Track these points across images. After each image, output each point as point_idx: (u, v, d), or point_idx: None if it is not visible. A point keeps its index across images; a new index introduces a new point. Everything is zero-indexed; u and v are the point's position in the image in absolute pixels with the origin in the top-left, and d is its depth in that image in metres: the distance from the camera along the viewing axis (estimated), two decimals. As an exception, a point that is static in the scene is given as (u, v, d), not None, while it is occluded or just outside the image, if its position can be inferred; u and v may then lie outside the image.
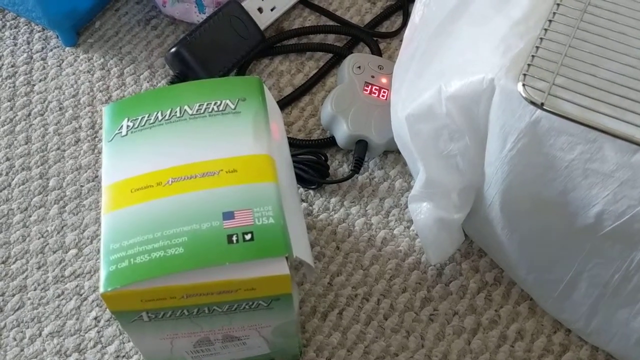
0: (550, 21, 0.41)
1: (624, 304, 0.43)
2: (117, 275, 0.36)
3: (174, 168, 0.40)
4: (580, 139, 0.39)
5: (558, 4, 0.42)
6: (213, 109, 0.42)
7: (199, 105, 0.42)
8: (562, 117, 0.38)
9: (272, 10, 0.65)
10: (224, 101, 0.42)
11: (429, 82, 0.46)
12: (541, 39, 0.41)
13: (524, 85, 0.39)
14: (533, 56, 0.40)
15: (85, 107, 0.62)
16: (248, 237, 0.37)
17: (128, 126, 0.42)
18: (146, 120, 0.42)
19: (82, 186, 0.57)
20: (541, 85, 0.39)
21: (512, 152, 0.42)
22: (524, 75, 0.39)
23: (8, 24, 0.68)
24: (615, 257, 0.42)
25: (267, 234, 0.37)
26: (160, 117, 0.42)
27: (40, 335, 0.50)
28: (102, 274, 0.37)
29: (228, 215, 0.38)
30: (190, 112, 0.42)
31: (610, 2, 0.42)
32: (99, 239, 0.54)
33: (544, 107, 0.38)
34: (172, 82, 0.59)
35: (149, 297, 0.37)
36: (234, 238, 0.37)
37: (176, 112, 0.42)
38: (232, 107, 0.42)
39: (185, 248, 0.37)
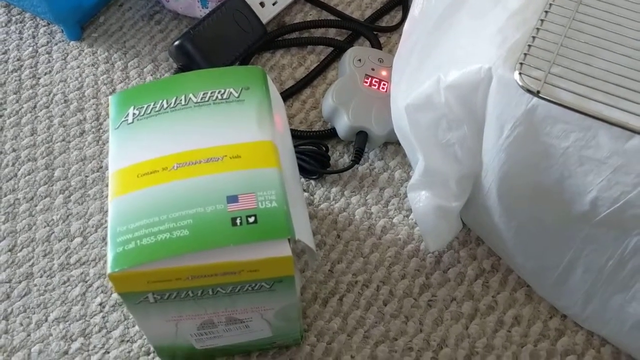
0: (546, 12, 0.42)
1: (619, 290, 0.44)
2: (124, 257, 0.37)
3: (179, 154, 0.40)
4: (575, 127, 0.40)
5: (554, -5, 0.43)
6: (217, 97, 0.43)
7: (204, 94, 0.43)
8: (558, 104, 0.39)
9: (273, 4, 0.65)
10: (227, 90, 0.43)
11: (428, 74, 0.47)
12: (538, 29, 0.41)
13: (520, 73, 0.40)
14: (530, 46, 0.41)
15: (89, 100, 0.63)
16: (251, 219, 0.38)
17: (134, 114, 0.43)
18: (152, 108, 0.43)
19: (86, 176, 0.58)
20: (537, 74, 0.40)
21: (509, 140, 0.42)
22: (521, 64, 0.40)
23: (14, 18, 0.69)
24: (609, 243, 0.42)
25: (270, 217, 0.38)
26: (165, 105, 0.43)
27: (46, 320, 0.51)
28: (110, 255, 0.38)
29: (232, 199, 0.38)
30: (195, 100, 0.43)
31: (605, -7, 0.43)
32: (104, 228, 0.55)
33: (540, 95, 0.39)
34: (175, 75, 0.60)
35: (155, 278, 0.38)
36: (238, 221, 0.38)
37: (181, 100, 0.43)
38: (236, 95, 0.43)
39: (191, 230, 0.38)
